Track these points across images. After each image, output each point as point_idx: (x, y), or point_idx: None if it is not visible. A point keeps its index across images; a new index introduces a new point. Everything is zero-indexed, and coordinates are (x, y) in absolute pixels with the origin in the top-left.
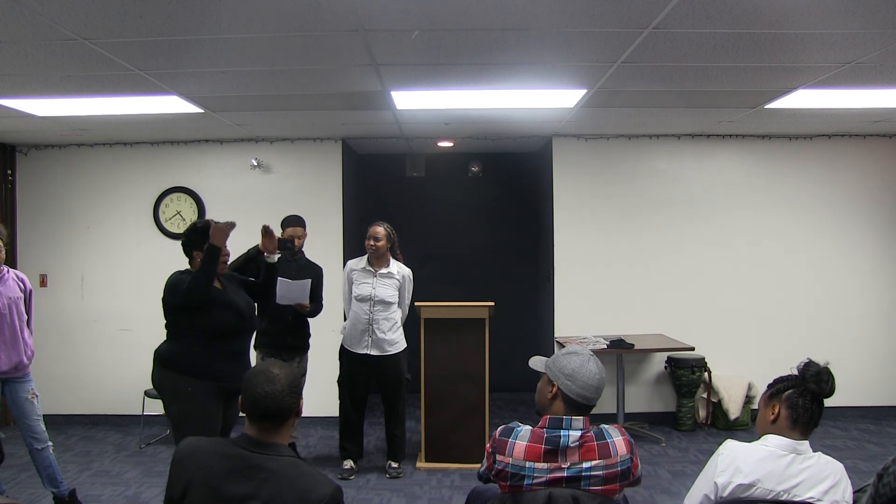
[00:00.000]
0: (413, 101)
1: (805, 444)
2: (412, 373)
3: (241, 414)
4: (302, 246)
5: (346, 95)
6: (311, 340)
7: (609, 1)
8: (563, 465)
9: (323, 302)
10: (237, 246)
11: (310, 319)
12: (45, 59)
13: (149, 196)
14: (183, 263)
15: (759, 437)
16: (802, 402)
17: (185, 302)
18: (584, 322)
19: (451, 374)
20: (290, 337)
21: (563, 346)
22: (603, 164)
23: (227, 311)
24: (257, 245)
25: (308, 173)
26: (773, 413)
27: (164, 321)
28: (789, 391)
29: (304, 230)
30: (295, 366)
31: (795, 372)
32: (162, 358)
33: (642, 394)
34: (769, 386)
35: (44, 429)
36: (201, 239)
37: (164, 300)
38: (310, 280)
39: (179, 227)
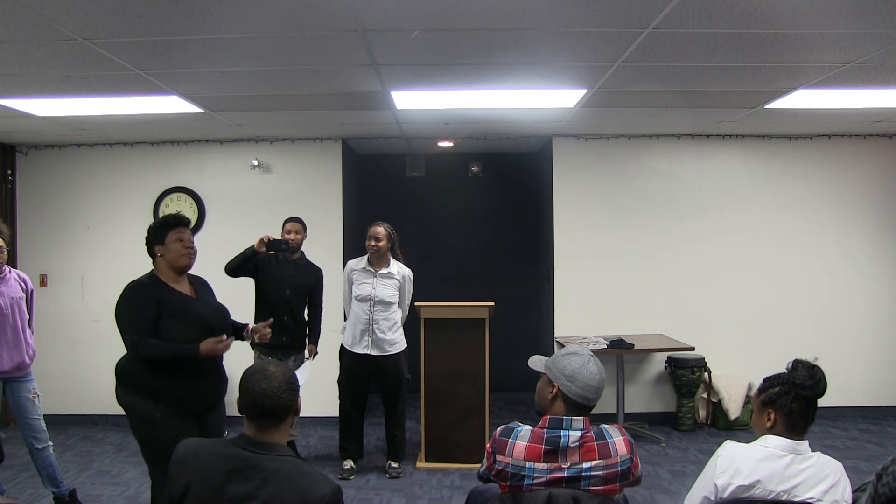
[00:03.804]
0: (413, 101)
1: (804, 444)
2: (412, 373)
3: (238, 414)
4: (300, 244)
5: (346, 95)
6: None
7: (609, 1)
8: (563, 466)
9: (323, 305)
10: (237, 245)
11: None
12: (45, 59)
13: (149, 196)
14: None
15: (758, 438)
16: (797, 407)
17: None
18: (584, 322)
19: (451, 374)
20: (286, 336)
21: (563, 346)
22: (603, 164)
23: (193, 326)
24: (253, 245)
25: (308, 173)
26: (768, 420)
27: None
28: (782, 398)
29: (304, 228)
30: (291, 365)
31: (785, 370)
32: (124, 378)
33: (642, 394)
34: (760, 389)
35: (44, 428)
36: (161, 234)
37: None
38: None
39: None
